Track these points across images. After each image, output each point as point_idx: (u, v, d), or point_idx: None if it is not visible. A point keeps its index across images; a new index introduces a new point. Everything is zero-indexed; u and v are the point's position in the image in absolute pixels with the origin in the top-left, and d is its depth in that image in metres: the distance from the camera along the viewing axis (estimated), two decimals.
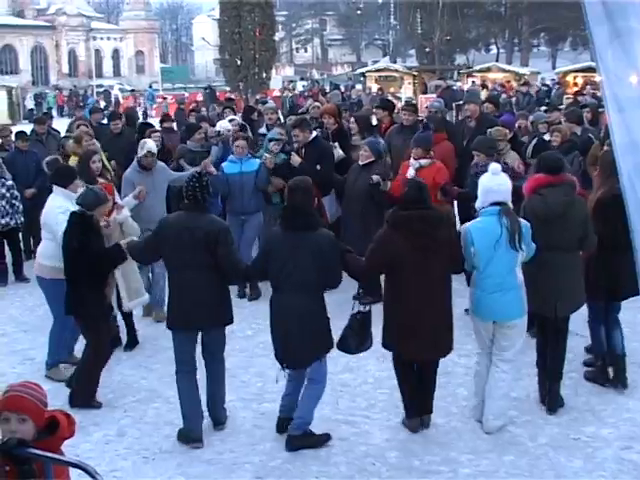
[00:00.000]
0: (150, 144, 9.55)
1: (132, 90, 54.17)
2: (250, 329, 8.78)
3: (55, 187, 7.91)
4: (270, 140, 10.71)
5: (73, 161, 10.10)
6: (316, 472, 6.03)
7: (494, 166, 6.61)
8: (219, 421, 6.75)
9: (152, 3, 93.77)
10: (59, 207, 7.66)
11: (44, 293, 8.06)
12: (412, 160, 9.69)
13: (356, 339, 6.44)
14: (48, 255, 7.77)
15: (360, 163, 9.70)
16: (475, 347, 6.91)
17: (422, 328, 6.20)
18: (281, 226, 6.33)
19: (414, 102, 22.39)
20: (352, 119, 11.47)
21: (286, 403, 6.55)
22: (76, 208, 7.22)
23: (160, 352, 8.24)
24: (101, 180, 8.49)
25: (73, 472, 3.49)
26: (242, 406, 7.07)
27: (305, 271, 6.06)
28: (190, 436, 6.46)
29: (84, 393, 7.19)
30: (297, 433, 6.33)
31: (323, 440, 6.40)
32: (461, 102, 16.84)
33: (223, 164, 10.45)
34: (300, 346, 6.17)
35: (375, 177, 9.40)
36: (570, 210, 6.75)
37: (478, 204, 6.53)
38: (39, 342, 8.79)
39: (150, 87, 54.66)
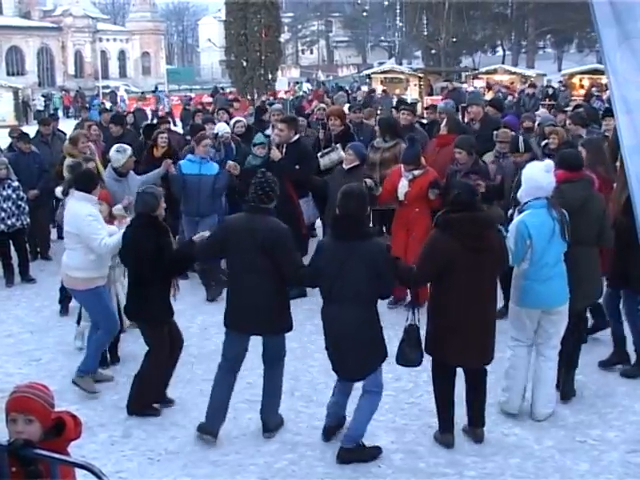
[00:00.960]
0: (129, 151, 9.48)
1: (142, 93, 54.20)
2: None
3: (77, 192, 7.50)
4: (254, 145, 10.75)
5: (68, 162, 10.17)
6: (322, 474, 6.03)
7: (548, 163, 6.80)
8: (267, 427, 6.64)
9: (158, 4, 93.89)
10: (89, 214, 7.31)
11: (82, 305, 7.88)
12: (404, 171, 9.67)
13: (415, 351, 6.37)
14: (77, 266, 7.45)
15: (345, 167, 9.68)
16: None
17: (471, 331, 6.18)
18: (332, 235, 6.24)
19: (414, 103, 22.44)
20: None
21: (332, 412, 6.49)
22: (91, 212, 7.27)
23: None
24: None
25: (79, 473, 3.49)
26: (248, 408, 7.05)
27: (358, 281, 5.94)
28: (206, 428, 6.52)
29: (143, 400, 7.03)
30: (350, 446, 6.20)
31: (374, 454, 6.25)
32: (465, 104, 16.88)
33: (181, 162, 10.45)
34: (355, 358, 6.08)
35: (369, 181, 9.38)
36: (588, 205, 6.97)
37: (522, 196, 6.70)
38: (45, 343, 8.82)
39: (156, 89, 54.71)
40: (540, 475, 5.96)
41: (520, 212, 6.72)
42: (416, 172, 9.45)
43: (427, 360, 8.07)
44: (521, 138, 9.56)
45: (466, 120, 12.91)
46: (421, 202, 9.37)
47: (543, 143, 10.89)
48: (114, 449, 6.49)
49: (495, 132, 10.27)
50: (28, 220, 11.23)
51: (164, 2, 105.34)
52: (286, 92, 42.74)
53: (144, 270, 6.78)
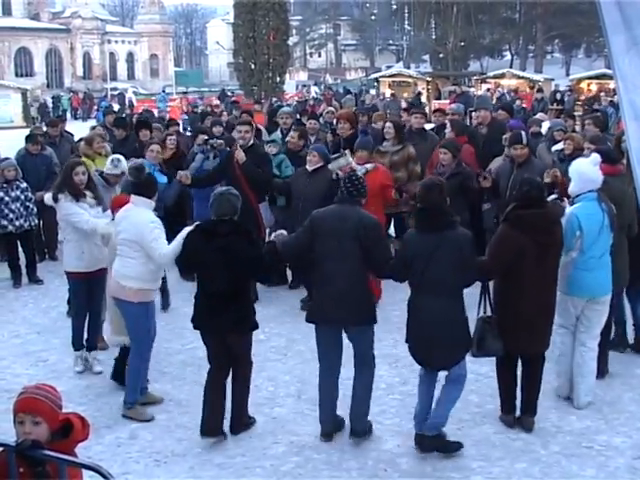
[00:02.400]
0: (124, 164, 9.07)
1: (151, 95, 54.36)
2: (262, 333, 8.74)
3: (137, 198, 7.04)
4: (266, 142, 10.82)
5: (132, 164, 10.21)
6: (327, 477, 6.03)
7: (595, 157, 7.14)
8: (356, 432, 6.49)
9: (167, 7, 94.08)
10: (152, 221, 6.92)
11: (128, 318, 7.12)
12: (356, 165, 9.76)
13: (498, 341, 6.48)
14: (133, 276, 6.94)
15: (309, 168, 9.68)
16: None
17: (537, 321, 6.49)
18: (418, 228, 6.26)
19: (425, 106, 22.44)
20: (388, 124, 11.31)
21: (421, 418, 6.40)
22: (153, 219, 6.97)
23: (172, 355, 8.26)
24: (88, 193, 8.10)
25: (86, 474, 3.50)
26: (254, 410, 7.04)
27: (447, 271, 6.06)
28: (324, 430, 6.54)
29: (243, 416, 6.80)
30: (431, 433, 6.28)
31: (455, 447, 6.31)
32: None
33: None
34: (444, 347, 6.17)
35: (339, 172, 9.47)
36: (625, 197, 7.32)
37: (574, 190, 7.04)
38: (52, 344, 8.84)
39: (163, 91, 54.84)
40: None
41: (571, 204, 7.11)
42: (368, 166, 9.65)
43: None
44: (523, 133, 9.67)
45: (474, 124, 12.84)
46: (376, 199, 9.41)
47: (554, 148, 10.85)
48: (120, 451, 6.50)
49: (504, 136, 10.27)
50: (36, 221, 11.28)
51: (173, 4, 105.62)
52: (291, 96, 42.58)
53: (239, 280, 6.44)
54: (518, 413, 6.77)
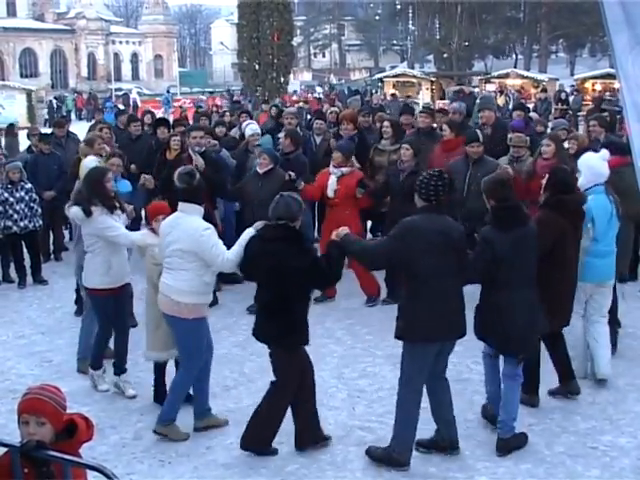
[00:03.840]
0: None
1: (155, 95, 54.40)
2: None
3: (188, 205, 6.59)
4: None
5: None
6: (332, 477, 6.03)
7: (605, 152, 7.63)
8: (454, 445, 6.32)
9: (171, 7, 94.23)
10: (207, 227, 6.51)
11: (180, 335, 6.62)
12: (332, 168, 9.88)
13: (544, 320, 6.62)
14: (189, 290, 6.47)
15: (260, 171, 9.68)
16: None
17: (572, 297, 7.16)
18: (497, 226, 6.25)
19: (432, 107, 22.41)
20: (386, 123, 11.35)
21: (498, 401, 6.53)
22: (207, 226, 6.55)
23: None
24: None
25: (90, 475, 3.50)
26: None
27: (530, 265, 6.32)
28: (407, 458, 6.13)
29: (262, 435, 6.37)
30: (509, 436, 6.34)
31: (525, 439, 6.47)
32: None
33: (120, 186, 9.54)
34: (532, 335, 6.45)
35: (292, 173, 9.62)
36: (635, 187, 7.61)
37: (583, 183, 7.38)
38: (57, 344, 8.85)
39: (168, 92, 54.88)
40: None
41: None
42: (344, 169, 9.80)
43: None
44: (479, 131, 9.93)
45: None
46: (351, 202, 9.72)
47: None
48: (125, 451, 6.51)
49: (509, 136, 10.26)
50: (40, 222, 11.29)
51: (177, 5, 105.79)
52: (294, 101, 42.22)
53: (290, 289, 6.07)
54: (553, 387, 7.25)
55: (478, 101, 22.50)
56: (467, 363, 7.83)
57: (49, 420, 3.50)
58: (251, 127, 11.85)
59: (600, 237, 7.33)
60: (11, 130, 20.97)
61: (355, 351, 8.58)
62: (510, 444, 6.31)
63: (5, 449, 3.49)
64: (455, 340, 6.17)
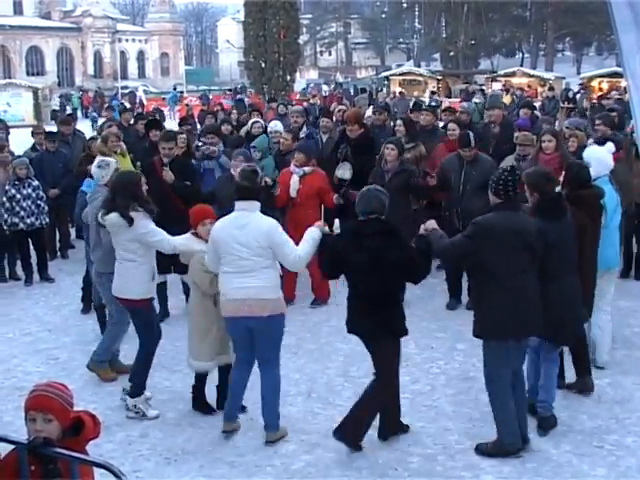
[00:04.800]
0: (113, 164, 8.21)
1: (162, 93, 54.41)
2: None
3: (251, 203, 6.46)
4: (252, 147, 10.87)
5: (124, 162, 10.22)
6: (338, 476, 6.02)
7: (610, 145, 8.09)
8: (526, 439, 6.32)
9: (177, 5, 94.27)
10: (278, 224, 6.52)
11: (279, 333, 6.51)
12: (294, 167, 9.89)
13: None
14: (271, 286, 6.39)
15: (235, 174, 9.62)
16: None
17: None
18: (546, 217, 6.34)
19: (434, 103, 22.41)
20: (399, 121, 11.38)
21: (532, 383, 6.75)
22: (277, 223, 6.54)
23: (182, 353, 8.21)
24: None
25: (97, 472, 3.51)
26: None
27: (574, 253, 6.56)
28: (509, 450, 6.22)
29: (359, 430, 6.34)
30: (549, 414, 6.63)
31: (555, 420, 6.69)
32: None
33: (85, 188, 9.07)
34: (577, 324, 6.79)
35: (269, 180, 9.60)
36: (629, 180, 8.79)
37: (593, 174, 7.46)
38: (63, 342, 8.86)
39: (174, 89, 54.87)
40: None
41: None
42: (306, 169, 9.82)
43: (436, 364, 8.10)
44: (471, 134, 9.76)
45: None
46: (313, 202, 9.61)
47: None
48: (131, 449, 6.52)
49: (515, 135, 10.26)
50: (47, 220, 11.31)
51: (183, 3, 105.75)
52: (299, 102, 42.12)
53: (389, 282, 6.13)
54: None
55: (481, 100, 22.53)
56: (473, 362, 7.82)
57: (56, 417, 3.51)
58: (271, 125, 12.15)
59: (610, 224, 7.58)
60: None
61: (361, 349, 8.53)
62: (551, 422, 6.61)
63: (11, 447, 3.50)
64: (531, 336, 6.26)
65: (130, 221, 6.86)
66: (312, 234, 6.45)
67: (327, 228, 6.56)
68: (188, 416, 7.02)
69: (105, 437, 6.46)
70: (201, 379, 7.10)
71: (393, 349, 6.33)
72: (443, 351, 8.41)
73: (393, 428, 6.54)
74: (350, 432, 6.28)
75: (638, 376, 7.74)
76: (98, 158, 8.34)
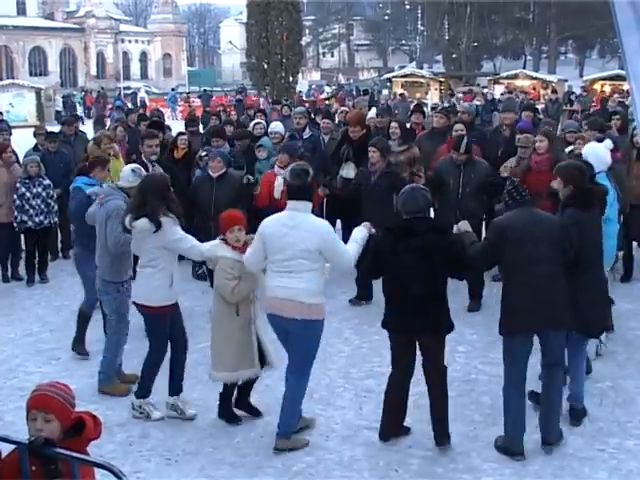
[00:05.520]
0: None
1: (164, 94, 54.46)
2: (273, 333, 8.75)
3: (302, 203, 6.32)
4: (257, 147, 10.87)
5: (115, 164, 10.21)
6: (339, 477, 6.02)
7: (608, 141, 8.44)
8: (547, 441, 6.34)
9: (180, 6, 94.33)
10: (330, 227, 6.38)
11: (309, 339, 6.35)
12: (278, 169, 9.89)
13: None
14: (318, 290, 6.26)
15: (213, 175, 9.64)
16: (497, 356, 6.91)
17: None
18: (581, 208, 6.54)
19: (449, 107, 22.41)
20: (394, 124, 11.36)
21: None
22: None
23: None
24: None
25: (97, 472, 3.51)
26: (266, 410, 7.06)
27: (601, 245, 6.81)
28: (513, 449, 6.26)
29: (446, 427, 6.42)
30: (582, 406, 6.82)
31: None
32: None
33: (80, 185, 8.58)
34: (608, 313, 7.09)
35: (251, 178, 9.65)
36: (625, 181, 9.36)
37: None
38: (65, 342, 8.84)
39: (173, 90, 54.91)
40: None
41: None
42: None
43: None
44: (465, 139, 9.79)
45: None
46: None
47: (568, 149, 10.82)
48: (132, 449, 6.51)
49: (517, 137, 10.25)
50: (56, 219, 11.31)
51: (186, 4, 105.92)
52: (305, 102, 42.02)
53: (438, 279, 6.16)
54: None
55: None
56: (475, 364, 7.82)
57: (57, 417, 3.51)
58: (271, 125, 12.14)
59: (607, 218, 7.56)
60: None
61: (362, 351, 8.58)
62: (583, 413, 6.80)
63: (13, 447, 3.50)
64: (555, 329, 6.20)
65: (158, 226, 6.65)
66: (359, 234, 6.38)
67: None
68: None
69: (106, 438, 6.45)
70: (230, 388, 6.94)
71: (443, 344, 6.39)
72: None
73: (395, 430, 6.54)
74: (440, 431, 6.35)
75: (639, 380, 7.73)
76: (133, 165, 7.91)
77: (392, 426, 6.47)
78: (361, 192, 9.74)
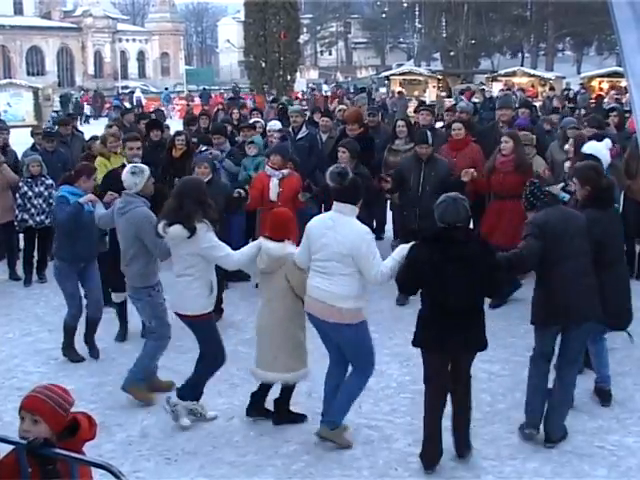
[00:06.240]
0: (147, 172, 7.50)
1: (161, 93, 54.41)
2: None
3: (344, 205, 6.22)
4: (247, 143, 10.79)
5: (99, 162, 10.14)
6: (338, 476, 6.02)
7: (607, 141, 8.64)
8: (550, 439, 6.39)
9: (177, 5, 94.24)
10: (368, 232, 6.24)
11: (349, 343, 6.31)
12: (270, 169, 9.85)
13: None
14: (350, 295, 6.12)
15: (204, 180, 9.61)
16: (496, 354, 6.93)
17: None
18: (599, 207, 6.72)
19: (433, 104, 22.47)
20: (401, 122, 11.40)
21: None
22: (369, 230, 6.32)
23: (185, 353, 8.23)
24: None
25: (96, 472, 3.50)
26: None
27: (622, 241, 7.24)
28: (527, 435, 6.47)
29: (469, 439, 6.30)
30: (609, 387, 7.14)
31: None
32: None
33: (66, 194, 8.34)
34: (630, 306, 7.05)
35: (242, 191, 9.42)
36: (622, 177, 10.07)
37: None
38: None
39: (166, 89, 54.91)
40: None
41: None
42: (285, 171, 9.82)
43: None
44: (429, 132, 9.90)
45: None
46: (291, 205, 9.42)
47: (567, 146, 10.81)
48: (131, 449, 6.51)
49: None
50: None
51: (183, 3, 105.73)
52: (301, 99, 42.12)
53: (477, 293, 5.93)
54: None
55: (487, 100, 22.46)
56: (474, 362, 7.81)
57: (44, 420, 3.49)
58: (270, 124, 12.20)
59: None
60: None
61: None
62: (610, 394, 7.12)
63: (12, 447, 3.50)
64: (585, 322, 6.32)
65: (192, 232, 6.48)
66: (402, 251, 6.07)
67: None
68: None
69: (105, 437, 6.47)
70: (267, 388, 6.89)
71: (473, 360, 6.22)
72: None
73: (437, 457, 6.18)
74: (466, 446, 6.22)
75: (638, 376, 7.74)
76: (128, 166, 7.69)
77: (434, 453, 6.10)
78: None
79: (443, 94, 38.51)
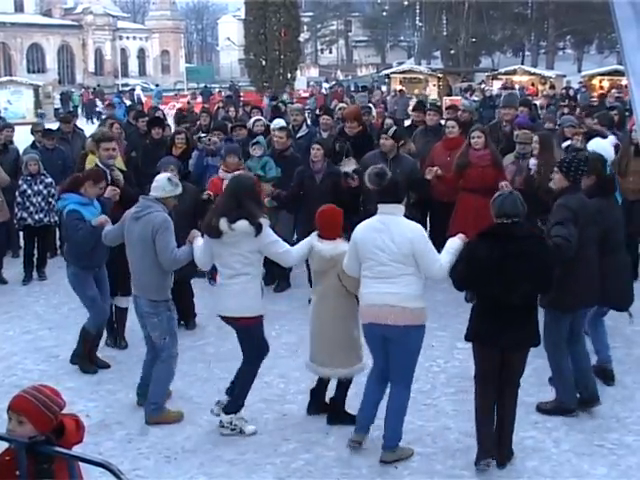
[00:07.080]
0: (180, 189, 7.24)
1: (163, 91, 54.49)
2: (274, 330, 8.73)
3: (390, 205, 6.10)
4: (251, 144, 10.74)
5: (91, 160, 10.12)
6: (338, 474, 6.02)
7: (612, 138, 9.26)
8: (596, 397, 7.03)
9: (178, 3, 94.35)
10: (423, 231, 6.17)
11: (414, 345, 6.12)
12: (223, 172, 9.72)
13: None
14: (418, 294, 6.03)
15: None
16: None
17: None
18: (602, 195, 7.07)
19: (438, 104, 22.42)
20: (389, 121, 11.51)
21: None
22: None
23: (184, 352, 8.21)
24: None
25: (96, 471, 3.50)
26: (265, 407, 7.06)
27: (623, 228, 7.41)
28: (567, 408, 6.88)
29: (511, 442, 6.15)
30: (610, 367, 7.51)
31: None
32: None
33: (77, 207, 7.84)
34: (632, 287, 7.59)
35: (211, 193, 9.31)
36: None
37: None
38: (63, 340, 8.84)
39: (157, 85, 55.08)
40: (557, 479, 5.93)
41: None
42: (236, 173, 9.52)
43: (437, 363, 8.08)
44: (394, 127, 10.31)
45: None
46: None
47: (565, 144, 10.81)
48: (131, 447, 6.50)
49: (515, 133, 10.23)
50: (56, 218, 11.27)
51: (184, 1, 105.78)
52: (299, 99, 42.17)
53: (535, 289, 5.92)
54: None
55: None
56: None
57: (30, 421, 3.49)
58: (274, 122, 12.07)
59: None
60: None
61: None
62: (613, 374, 7.51)
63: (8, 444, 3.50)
64: (588, 308, 7.00)
65: (259, 229, 6.34)
66: (454, 244, 6.14)
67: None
68: (188, 414, 6.99)
69: (105, 435, 6.49)
70: (325, 383, 6.86)
71: (526, 357, 6.10)
72: (443, 350, 8.40)
73: (491, 452, 6.07)
74: (507, 449, 6.10)
75: (638, 375, 7.74)
76: (165, 174, 7.36)
77: (488, 450, 5.98)
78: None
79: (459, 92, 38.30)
